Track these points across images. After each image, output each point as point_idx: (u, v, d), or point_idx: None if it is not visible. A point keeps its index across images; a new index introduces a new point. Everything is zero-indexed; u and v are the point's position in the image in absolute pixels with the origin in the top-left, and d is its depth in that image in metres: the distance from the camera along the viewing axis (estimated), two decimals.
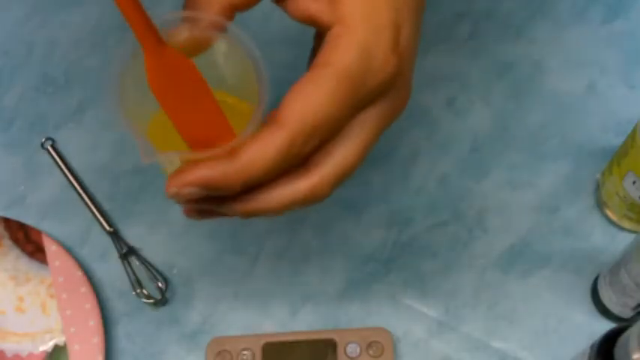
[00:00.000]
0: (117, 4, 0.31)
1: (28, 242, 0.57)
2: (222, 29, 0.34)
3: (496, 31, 0.64)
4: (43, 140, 0.63)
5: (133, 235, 0.59)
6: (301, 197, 0.35)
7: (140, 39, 0.32)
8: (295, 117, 0.32)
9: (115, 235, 0.58)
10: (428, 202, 0.58)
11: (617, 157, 0.52)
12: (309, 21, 0.36)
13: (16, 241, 0.57)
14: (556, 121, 0.60)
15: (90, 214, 0.59)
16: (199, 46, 0.35)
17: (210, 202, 0.36)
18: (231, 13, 0.35)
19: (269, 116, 0.34)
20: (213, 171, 0.33)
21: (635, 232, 0.55)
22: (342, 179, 0.35)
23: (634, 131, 0.49)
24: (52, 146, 0.62)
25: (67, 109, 0.64)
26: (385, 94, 0.35)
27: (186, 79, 0.34)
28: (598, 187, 0.56)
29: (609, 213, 0.55)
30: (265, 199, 0.35)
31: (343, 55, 0.33)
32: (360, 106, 0.34)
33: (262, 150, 0.32)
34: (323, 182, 0.35)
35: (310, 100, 0.32)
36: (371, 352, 0.52)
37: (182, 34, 0.34)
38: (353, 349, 0.52)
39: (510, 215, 0.57)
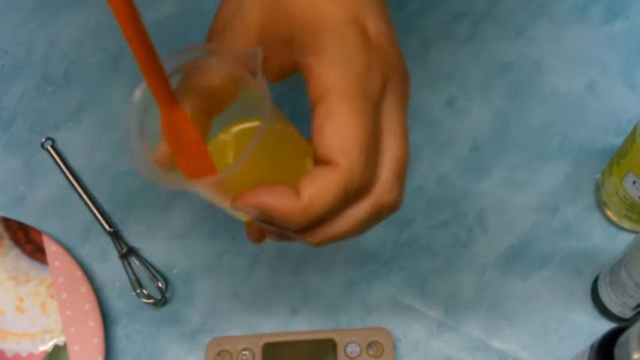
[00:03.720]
0: (142, 71, 0.31)
1: (28, 242, 0.57)
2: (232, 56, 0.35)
3: (496, 31, 0.64)
4: (43, 140, 0.63)
5: (133, 235, 0.59)
6: (373, 212, 0.35)
7: (158, 100, 0.33)
8: (341, 153, 0.33)
9: (115, 235, 0.58)
10: (428, 202, 0.58)
11: (617, 157, 0.52)
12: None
13: (16, 241, 0.57)
14: (556, 121, 0.60)
15: (90, 214, 0.59)
16: (236, 85, 0.36)
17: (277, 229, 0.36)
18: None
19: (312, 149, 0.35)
20: (275, 202, 0.33)
21: (635, 232, 0.55)
22: (403, 172, 0.35)
23: (634, 131, 0.49)
24: (52, 146, 0.62)
25: (67, 109, 0.64)
26: (388, 82, 0.35)
27: (186, 134, 0.34)
28: (598, 187, 0.56)
29: (609, 213, 0.55)
30: (332, 228, 0.35)
31: (332, 77, 0.33)
32: (378, 105, 0.34)
33: (321, 192, 0.33)
34: (385, 187, 0.35)
35: (343, 132, 0.33)
36: (371, 352, 0.52)
37: (220, 71, 0.35)
38: (353, 349, 0.52)
39: (510, 215, 0.57)
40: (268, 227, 0.36)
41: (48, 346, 0.54)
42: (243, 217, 0.38)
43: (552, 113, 0.60)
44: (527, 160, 0.59)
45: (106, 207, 0.60)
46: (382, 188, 0.35)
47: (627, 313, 0.51)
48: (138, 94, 0.34)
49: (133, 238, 0.59)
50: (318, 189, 0.33)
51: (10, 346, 0.54)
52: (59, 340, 0.54)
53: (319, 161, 0.34)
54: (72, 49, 0.67)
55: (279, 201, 0.33)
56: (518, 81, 0.62)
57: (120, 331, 0.56)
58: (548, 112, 0.60)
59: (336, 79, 0.33)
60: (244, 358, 0.53)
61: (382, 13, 0.36)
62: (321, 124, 0.33)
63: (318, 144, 0.34)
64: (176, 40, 0.62)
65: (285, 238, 0.39)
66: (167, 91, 0.33)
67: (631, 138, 0.50)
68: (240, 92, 0.36)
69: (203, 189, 0.36)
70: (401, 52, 0.37)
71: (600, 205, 0.56)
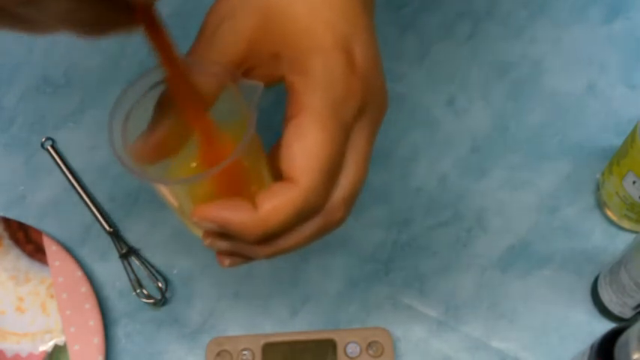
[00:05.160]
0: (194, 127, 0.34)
1: (28, 242, 0.57)
2: (235, 79, 0.36)
3: (496, 31, 0.64)
4: (43, 140, 0.63)
5: (133, 235, 0.59)
6: (320, 229, 0.36)
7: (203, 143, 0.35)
8: (303, 172, 0.34)
9: (115, 235, 0.58)
10: (428, 202, 0.58)
11: (617, 157, 0.52)
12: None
13: (16, 241, 0.57)
14: (556, 121, 0.60)
15: (90, 214, 0.59)
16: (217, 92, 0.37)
17: (232, 241, 0.37)
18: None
19: (272, 153, 0.36)
20: (233, 216, 0.34)
21: (635, 232, 0.55)
22: (354, 197, 0.37)
23: (634, 131, 0.49)
24: (52, 146, 0.62)
25: (67, 109, 0.64)
26: (364, 110, 0.36)
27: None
28: (598, 187, 0.56)
29: (609, 213, 0.55)
30: (283, 242, 0.36)
31: (310, 98, 0.35)
32: (348, 130, 0.36)
33: (279, 208, 0.34)
34: (334, 207, 0.36)
35: (309, 153, 0.34)
36: (371, 352, 0.52)
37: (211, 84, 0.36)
38: (353, 349, 0.52)
39: (510, 215, 0.57)
40: (221, 245, 0.38)
41: (48, 346, 0.54)
42: (197, 230, 0.39)
43: (552, 113, 0.60)
44: (527, 160, 0.59)
45: (106, 207, 0.60)
46: (333, 208, 0.36)
47: (627, 313, 0.51)
48: (127, 89, 0.35)
49: (133, 238, 0.59)
50: (276, 206, 0.34)
51: (10, 346, 0.54)
52: (59, 340, 0.54)
53: (281, 175, 0.35)
54: (72, 49, 0.67)
55: (236, 215, 0.34)
56: (519, 81, 0.62)
57: (120, 331, 0.56)
58: (548, 112, 0.60)
59: (314, 101, 0.35)
60: (244, 358, 0.53)
61: (371, 37, 0.37)
62: (290, 140, 0.35)
63: (284, 159, 0.35)
64: (176, 40, 0.61)
65: (235, 256, 0.39)
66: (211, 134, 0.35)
67: (631, 138, 0.50)
68: (223, 95, 0.37)
69: (174, 191, 0.37)
70: (384, 80, 0.38)
71: (600, 205, 0.56)
